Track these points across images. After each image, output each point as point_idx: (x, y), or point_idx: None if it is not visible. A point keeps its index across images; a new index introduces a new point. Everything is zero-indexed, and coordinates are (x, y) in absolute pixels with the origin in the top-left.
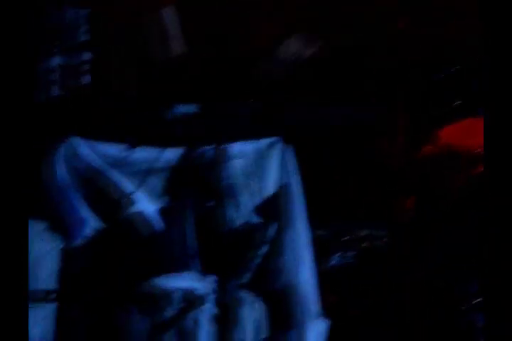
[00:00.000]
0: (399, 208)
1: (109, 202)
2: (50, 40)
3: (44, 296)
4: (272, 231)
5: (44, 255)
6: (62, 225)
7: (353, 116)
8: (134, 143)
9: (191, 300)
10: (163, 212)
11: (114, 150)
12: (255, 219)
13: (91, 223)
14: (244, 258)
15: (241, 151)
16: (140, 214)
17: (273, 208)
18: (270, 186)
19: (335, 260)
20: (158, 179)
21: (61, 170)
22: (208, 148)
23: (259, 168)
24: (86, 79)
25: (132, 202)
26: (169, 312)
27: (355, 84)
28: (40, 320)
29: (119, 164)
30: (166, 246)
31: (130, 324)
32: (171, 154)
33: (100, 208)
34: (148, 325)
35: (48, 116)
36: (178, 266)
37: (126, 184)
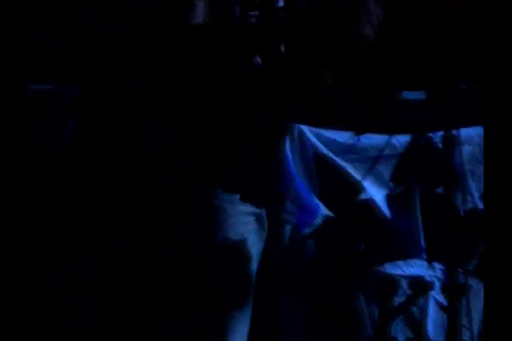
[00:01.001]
0: None
1: (337, 190)
2: None
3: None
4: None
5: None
6: (289, 213)
7: None
8: (360, 131)
9: (418, 288)
10: (391, 199)
11: (341, 137)
12: (481, 206)
13: (319, 211)
14: (470, 246)
15: (468, 137)
16: (369, 201)
17: None
18: None
19: None
20: (385, 166)
21: (289, 159)
22: (435, 134)
23: None
24: None
25: (361, 190)
26: (396, 300)
27: None
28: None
29: (346, 151)
30: (393, 234)
31: (357, 311)
32: (399, 141)
33: (328, 196)
34: (375, 312)
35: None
36: (405, 253)
37: (354, 171)
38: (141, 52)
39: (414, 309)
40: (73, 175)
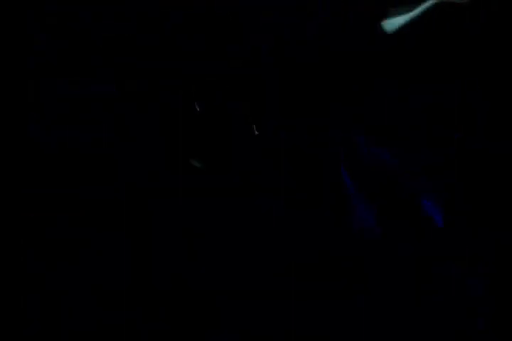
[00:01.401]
0: None
1: (395, 203)
2: None
3: None
4: None
5: None
6: (345, 225)
7: None
8: (415, 141)
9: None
10: (448, 211)
11: (397, 149)
12: None
13: (377, 224)
14: None
15: None
16: (426, 213)
17: None
18: None
19: None
20: (443, 177)
21: (343, 170)
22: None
23: None
24: None
25: (419, 202)
26: (447, 305)
27: None
28: None
29: (403, 163)
30: (450, 244)
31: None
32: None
33: (386, 209)
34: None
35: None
36: (462, 262)
37: (412, 184)
38: (141, 52)
39: (467, 307)
40: (73, 175)
